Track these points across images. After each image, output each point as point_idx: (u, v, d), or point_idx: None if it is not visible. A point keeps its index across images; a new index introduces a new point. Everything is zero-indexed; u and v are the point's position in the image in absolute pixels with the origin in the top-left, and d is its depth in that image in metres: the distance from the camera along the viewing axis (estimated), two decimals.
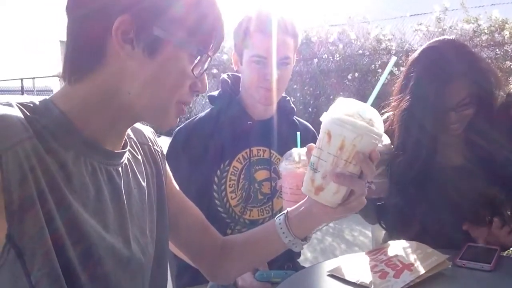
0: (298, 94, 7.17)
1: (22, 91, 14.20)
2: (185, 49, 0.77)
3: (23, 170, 0.66)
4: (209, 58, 0.81)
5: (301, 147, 1.31)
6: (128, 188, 0.87)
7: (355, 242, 4.15)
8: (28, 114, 0.71)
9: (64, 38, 0.80)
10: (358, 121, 0.78)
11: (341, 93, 6.95)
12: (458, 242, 1.44)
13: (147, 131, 1.02)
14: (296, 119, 1.70)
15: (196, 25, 0.76)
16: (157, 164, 1.00)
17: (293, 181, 1.17)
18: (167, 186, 1.02)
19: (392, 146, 1.41)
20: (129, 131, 0.95)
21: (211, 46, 0.80)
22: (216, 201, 1.51)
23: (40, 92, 15.46)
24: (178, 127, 1.58)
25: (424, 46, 1.59)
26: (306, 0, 13.28)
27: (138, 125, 1.01)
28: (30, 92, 14.49)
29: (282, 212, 1.00)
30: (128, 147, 0.90)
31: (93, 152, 0.78)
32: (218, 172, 1.51)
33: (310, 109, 7.11)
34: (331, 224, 4.45)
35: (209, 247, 1.08)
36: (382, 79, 0.84)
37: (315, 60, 7.30)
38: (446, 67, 1.45)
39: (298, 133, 1.26)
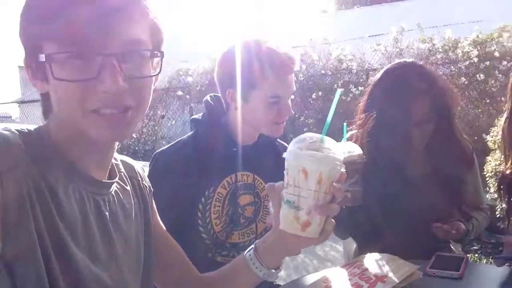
0: None
1: None
2: (63, 59, 0.72)
3: (21, 193, 0.68)
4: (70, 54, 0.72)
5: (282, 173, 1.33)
6: (115, 219, 0.87)
7: (327, 257, 4.17)
8: (26, 140, 0.74)
9: (22, 64, 0.81)
10: (329, 154, 0.81)
11: (305, 112, 7.07)
12: (427, 250, 1.49)
13: (137, 166, 1.03)
14: (278, 141, 1.69)
15: (58, 31, 0.70)
16: (145, 199, 1.00)
17: None
18: (154, 222, 1.03)
19: (364, 157, 1.46)
20: (120, 165, 0.96)
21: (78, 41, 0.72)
22: (200, 228, 1.47)
23: None
24: (159, 150, 1.53)
25: (386, 68, 1.69)
26: (269, 22, 13.54)
27: (128, 159, 1.02)
28: None
29: (251, 247, 0.99)
30: (117, 179, 0.90)
31: (81, 181, 0.79)
32: (203, 199, 1.47)
33: None
34: None
35: (188, 282, 1.08)
36: (332, 111, 0.86)
37: None
38: (408, 85, 1.55)
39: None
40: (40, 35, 0.72)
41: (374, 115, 1.59)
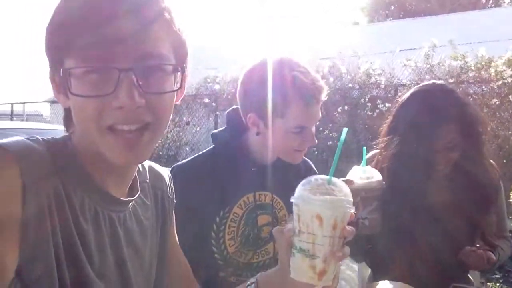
0: None
1: (12, 115, 14.14)
2: (80, 74, 0.71)
3: (43, 208, 0.68)
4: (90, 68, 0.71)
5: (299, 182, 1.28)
6: (130, 237, 0.85)
7: (342, 276, 4.08)
8: (51, 150, 0.74)
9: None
10: (340, 197, 0.78)
11: (330, 125, 7.00)
12: (444, 279, 1.43)
13: (167, 176, 1.02)
14: None
15: (77, 46, 0.70)
16: (165, 211, 0.99)
17: None
18: (170, 235, 1.01)
19: (383, 182, 1.41)
20: (146, 173, 0.94)
21: (96, 55, 0.70)
22: (213, 248, 1.43)
23: (29, 116, 15.43)
24: (177, 165, 1.50)
25: (414, 90, 1.62)
26: (297, 32, 13.55)
27: (158, 167, 1.01)
28: (20, 116, 14.47)
29: (252, 281, 0.95)
30: (139, 194, 0.89)
31: (97, 197, 0.78)
32: (218, 219, 1.42)
33: None
34: None
35: None
36: (338, 151, 0.83)
37: None
38: (437, 111, 1.49)
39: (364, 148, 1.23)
40: (60, 49, 0.72)
41: (399, 140, 1.54)
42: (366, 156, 1.44)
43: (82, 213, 0.75)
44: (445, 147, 1.49)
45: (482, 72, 6.10)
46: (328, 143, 6.91)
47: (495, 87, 5.89)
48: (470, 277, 1.70)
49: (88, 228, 0.75)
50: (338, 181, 0.80)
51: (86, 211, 0.76)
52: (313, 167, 1.67)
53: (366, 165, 1.43)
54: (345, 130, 0.84)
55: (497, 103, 5.82)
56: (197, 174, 1.44)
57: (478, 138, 1.55)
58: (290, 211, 1.49)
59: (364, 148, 1.46)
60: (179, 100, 0.84)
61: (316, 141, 1.41)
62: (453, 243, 1.54)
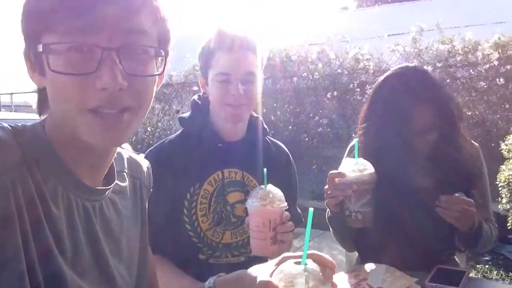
0: (278, 112, 7.23)
1: None
2: (61, 51, 0.69)
3: (7, 199, 0.65)
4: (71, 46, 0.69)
5: (274, 172, 1.31)
6: (107, 225, 0.84)
7: (334, 260, 4.14)
8: (19, 138, 0.71)
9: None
10: None
11: (320, 111, 7.01)
12: (431, 263, 1.46)
13: (145, 166, 1.02)
14: (269, 139, 1.69)
15: (58, 21, 0.68)
16: (143, 201, 0.99)
17: (260, 219, 1.20)
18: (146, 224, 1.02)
19: (375, 176, 1.42)
20: (124, 162, 0.93)
21: (72, 30, 0.68)
22: (187, 225, 1.48)
23: (18, 107, 15.23)
24: (148, 150, 1.55)
25: (387, 73, 1.63)
26: (286, 19, 13.47)
27: (137, 157, 1.01)
28: (8, 107, 14.28)
29: (210, 281, 0.98)
30: (116, 183, 0.88)
31: (70, 185, 0.76)
32: (188, 195, 1.48)
33: (290, 127, 7.15)
34: (310, 243, 4.43)
35: None
36: (308, 232, 0.78)
37: (295, 79, 7.36)
38: (410, 93, 1.50)
39: (265, 170, 1.26)
40: (40, 25, 0.69)
41: (375, 124, 1.56)
42: (356, 146, 1.44)
43: (54, 200, 0.73)
44: (423, 129, 1.51)
45: (470, 56, 6.11)
46: (318, 130, 6.93)
47: (483, 71, 5.92)
48: (456, 259, 1.74)
49: (60, 215, 0.73)
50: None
51: (59, 199, 0.74)
52: (285, 149, 1.72)
53: (359, 157, 1.44)
54: (310, 211, 0.78)
55: (484, 86, 5.86)
56: (167, 155, 1.50)
57: (454, 119, 1.57)
58: None
59: (356, 140, 1.47)
60: (159, 87, 0.83)
61: (241, 92, 1.42)
62: (438, 226, 1.56)
